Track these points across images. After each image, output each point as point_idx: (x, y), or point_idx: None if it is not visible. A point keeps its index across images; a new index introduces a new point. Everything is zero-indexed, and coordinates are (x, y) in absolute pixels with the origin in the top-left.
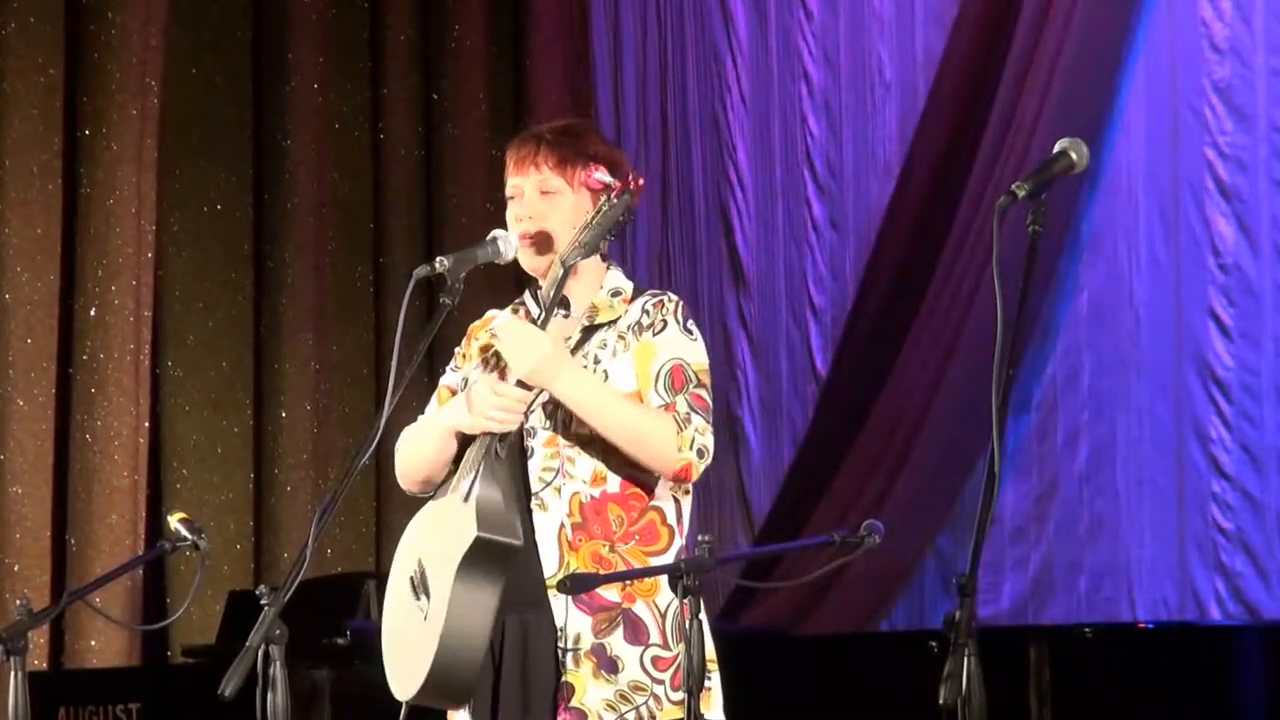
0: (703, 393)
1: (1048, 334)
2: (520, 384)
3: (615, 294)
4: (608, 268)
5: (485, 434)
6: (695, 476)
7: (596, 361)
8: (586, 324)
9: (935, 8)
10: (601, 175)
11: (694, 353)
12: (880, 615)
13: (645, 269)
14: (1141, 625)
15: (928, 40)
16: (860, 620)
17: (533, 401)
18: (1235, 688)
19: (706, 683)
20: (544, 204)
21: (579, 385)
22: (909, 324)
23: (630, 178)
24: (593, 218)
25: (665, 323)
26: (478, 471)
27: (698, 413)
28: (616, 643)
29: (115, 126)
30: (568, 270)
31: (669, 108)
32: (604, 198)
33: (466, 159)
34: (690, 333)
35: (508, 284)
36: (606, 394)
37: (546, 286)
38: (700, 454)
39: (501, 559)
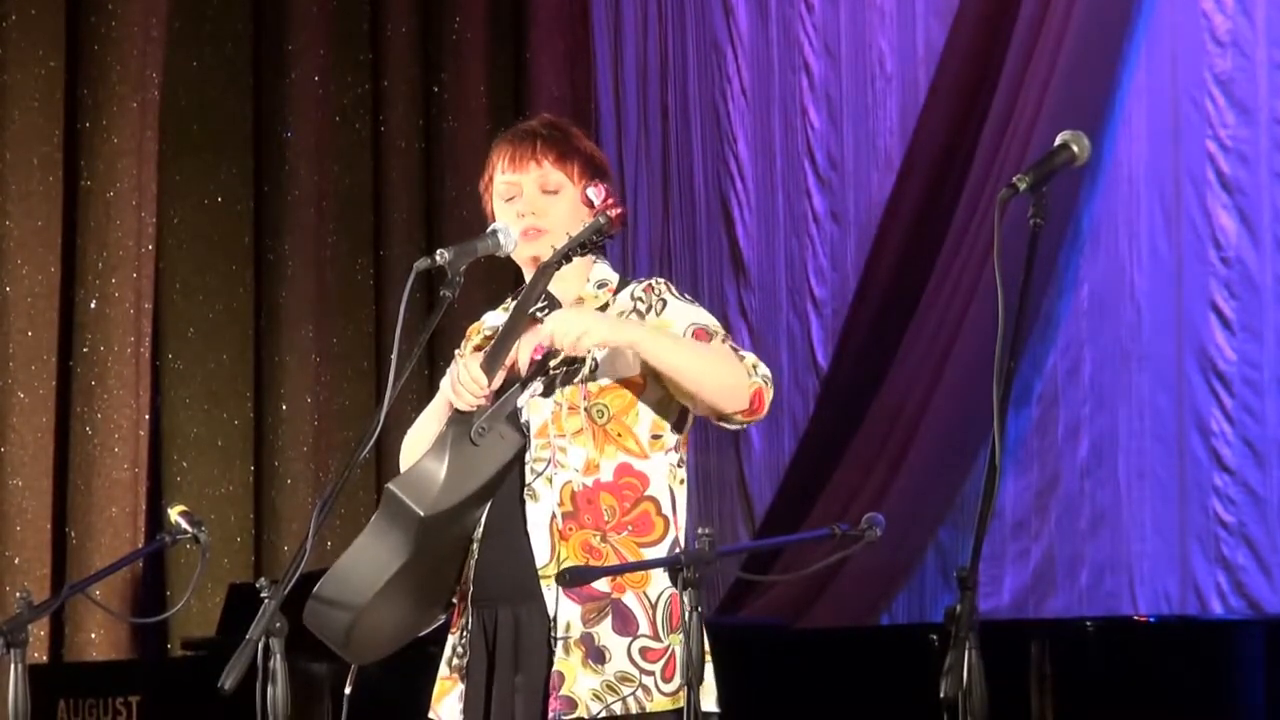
0: (731, 339)
1: (1048, 327)
2: (488, 366)
3: (601, 285)
4: (593, 261)
5: (456, 410)
6: (767, 406)
7: (588, 350)
8: None
9: (936, 0)
10: (593, 193)
11: (704, 316)
12: (881, 609)
13: (646, 260)
14: (1143, 619)
15: (929, 33)
16: (861, 614)
17: (510, 395)
18: (1236, 682)
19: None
20: (546, 200)
21: (641, 329)
22: (909, 317)
23: (610, 203)
24: (577, 235)
25: (664, 301)
26: (434, 441)
27: (742, 349)
28: (604, 633)
29: (116, 119)
30: (547, 274)
31: (669, 99)
32: (594, 217)
33: (467, 151)
34: (691, 301)
35: (507, 277)
36: (667, 334)
37: (529, 289)
38: (766, 380)
39: (405, 522)
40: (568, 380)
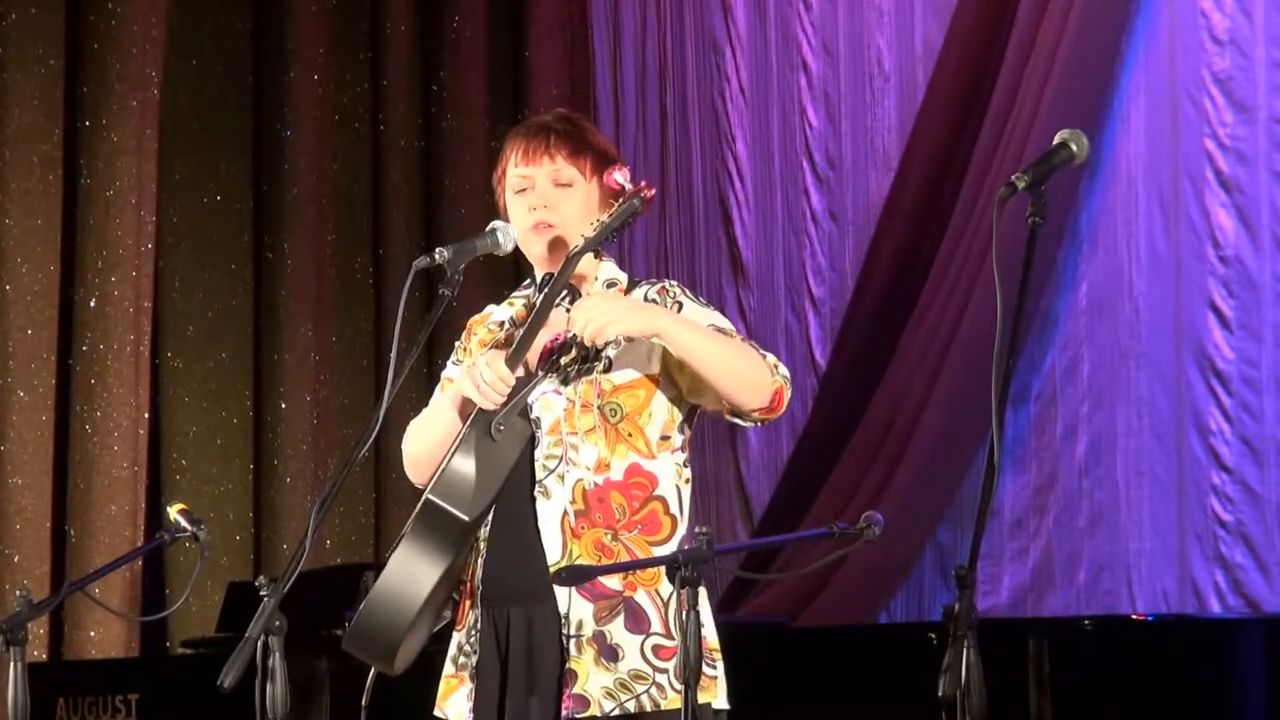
0: (750, 341)
1: (1047, 326)
2: (528, 364)
3: (610, 285)
4: (600, 260)
5: (480, 409)
6: (785, 406)
7: (599, 352)
8: None
9: None
10: (621, 177)
11: (722, 319)
12: (879, 607)
13: (644, 260)
14: (1141, 618)
15: (927, 31)
16: (859, 612)
17: (526, 389)
18: (1235, 680)
19: (712, 671)
20: (558, 194)
21: (668, 317)
22: (908, 316)
23: (643, 185)
24: (610, 219)
25: (680, 304)
26: (457, 442)
27: (762, 350)
28: (617, 631)
29: (115, 117)
30: (573, 263)
31: (668, 98)
32: (621, 201)
33: (466, 149)
34: (707, 304)
35: (507, 275)
36: (694, 323)
37: (555, 279)
38: (786, 381)
39: (446, 529)
40: (582, 376)
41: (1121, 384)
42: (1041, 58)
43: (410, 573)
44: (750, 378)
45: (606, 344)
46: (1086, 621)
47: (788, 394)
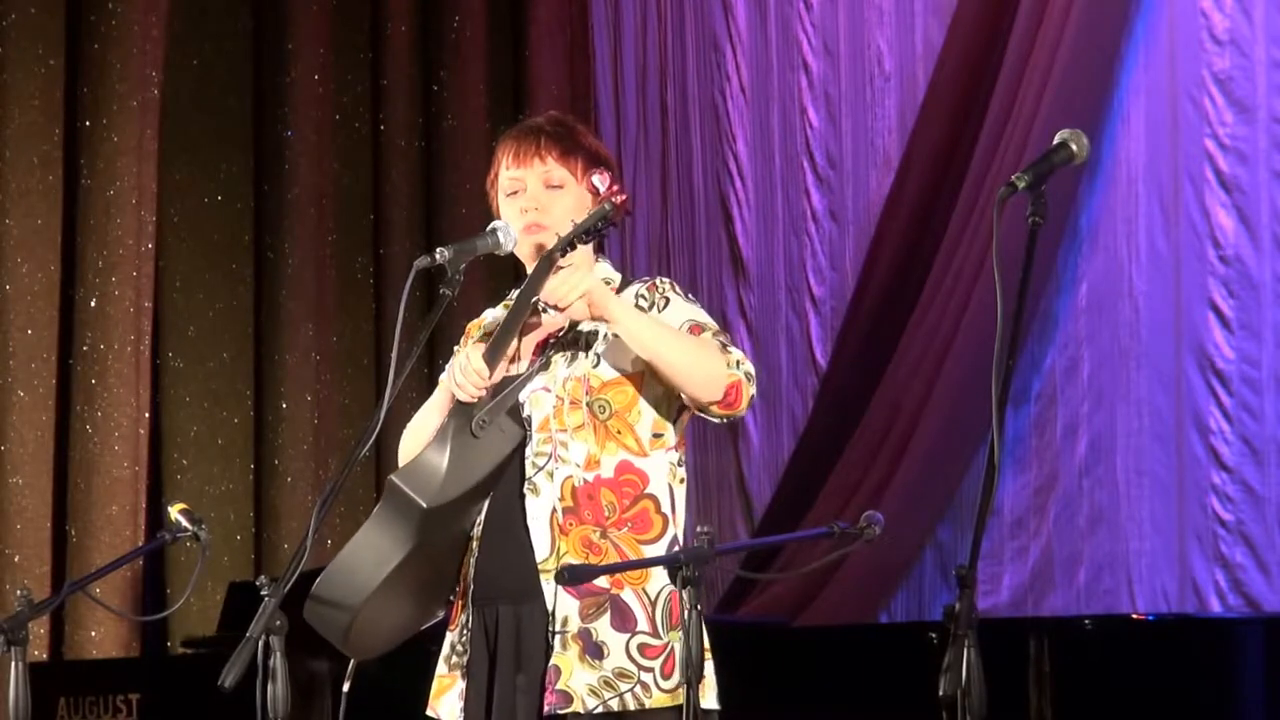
0: (726, 338)
1: (1047, 325)
2: (493, 358)
3: (605, 283)
4: (596, 258)
5: (459, 402)
6: (745, 400)
7: (588, 346)
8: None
9: None
10: (598, 181)
11: (703, 314)
12: (879, 606)
13: (645, 259)
14: (1141, 617)
15: (927, 31)
16: (859, 612)
17: (512, 388)
18: (1235, 680)
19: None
20: (549, 196)
21: (620, 305)
22: (908, 315)
23: (615, 190)
24: (582, 222)
25: (667, 299)
26: (435, 433)
27: (732, 346)
28: (603, 628)
29: (116, 117)
30: (547, 263)
31: (669, 98)
32: (598, 204)
33: (466, 149)
34: (693, 301)
35: (507, 275)
36: (653, 317)
37: (530, 279)
38: (748, 377)
39: (408, 514)
40: (570, 373)
41: (1121, 384)
42: (1042, 57)
43: (368, 552)
44: (701, 372)
45: (595, 337)
46: (1087, 621)
47: (747, 390)
